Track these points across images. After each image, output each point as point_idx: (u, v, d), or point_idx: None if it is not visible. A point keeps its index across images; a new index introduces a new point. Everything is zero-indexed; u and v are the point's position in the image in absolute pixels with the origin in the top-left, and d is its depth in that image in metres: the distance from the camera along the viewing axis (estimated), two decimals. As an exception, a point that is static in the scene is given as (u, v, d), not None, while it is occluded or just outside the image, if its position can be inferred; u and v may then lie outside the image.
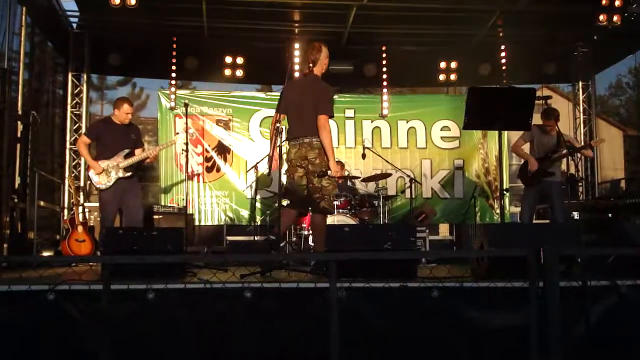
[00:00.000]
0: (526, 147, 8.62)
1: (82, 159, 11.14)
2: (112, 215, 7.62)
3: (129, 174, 7.69)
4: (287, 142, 6.42)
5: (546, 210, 10.23)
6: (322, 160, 6.23)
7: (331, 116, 6.33)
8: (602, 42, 11.60)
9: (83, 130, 11.37)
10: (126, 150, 7.71)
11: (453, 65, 11.81)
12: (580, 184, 12.12)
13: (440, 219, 11.79)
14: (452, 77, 11.92)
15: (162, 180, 11.34)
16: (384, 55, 11.85)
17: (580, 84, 13.10)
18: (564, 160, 8.45)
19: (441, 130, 11.84)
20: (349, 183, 10.11)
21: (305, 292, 4.06)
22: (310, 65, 6.62)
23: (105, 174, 7.57)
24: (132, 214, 7.63)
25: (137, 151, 7.83)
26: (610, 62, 13.17)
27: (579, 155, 12.28)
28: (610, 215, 9.78)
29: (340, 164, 10.42)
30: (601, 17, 10.06)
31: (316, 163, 6.23)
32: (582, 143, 11.71)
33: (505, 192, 9.57)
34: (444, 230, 12.41)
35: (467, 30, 11.58)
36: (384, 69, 11.86)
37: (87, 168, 7.81)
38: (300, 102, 6.40)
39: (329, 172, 6.15)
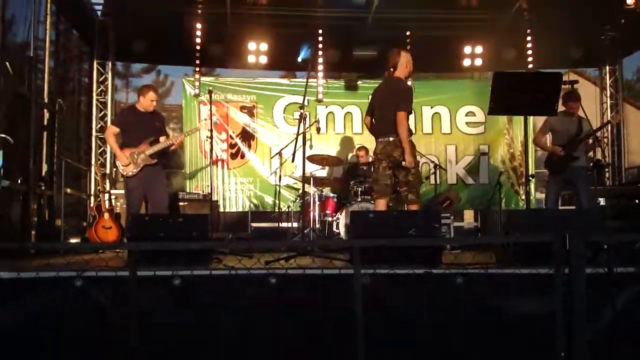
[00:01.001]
0: (549, 138, 8.52)
1: (108, 146, 11.24)
2: (138, 201, 7.65)
3: (154, 161, 7.70)
4: (375, 138, 7.01)
5: (572, 196, 10.15)
6: (405, 157, 6.62)
7: (409, 112, 6.87)
8: (630, 25, 11.41)
9: (109, 117, 11.48)
10: (151, 138, 7.74)
11: (478, 50, 11.69)
12: (606, 169, 12.01)
13: (465, 205, 11.73)
14: (477, 62, 11.78)
15: (187, 167, 11.40)
16: (408, 40, 11.76)
17: (607, 68, 12.96)
18: (590, 145, 8.36)
19: (466, 115, 11.76)
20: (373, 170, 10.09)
21: (330, 278, 4.07)
22: (392, 69, 7.19)
23: (132, 161, 7.58)
24: (157, 202, 7.66)
25: (162, 138, 7.82)
26: (638, 45, 12.95)
27: (605, 140, 12.21)
28: (637, 201, 9.67)
29: (365, 150, 10.42)
30: (629, 0, 9.92)
31: (400, 160, 6.65)
32: (607, 127, 11.61)
33: (530, 178, 9.47)
34: (468, 216, 12.35)
35: (492, 14, 11.45)
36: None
37: (114, 156, 7.86)
38: (382, 103, 7.01)
39: (403, 162, 6.56)
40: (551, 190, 8.33)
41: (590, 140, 8.18)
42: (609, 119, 8.92)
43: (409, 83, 7.09)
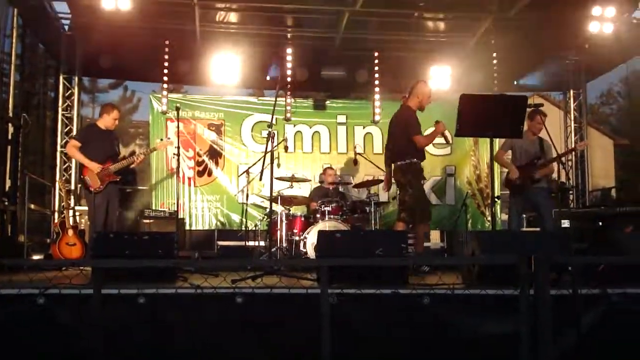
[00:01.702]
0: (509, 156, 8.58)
1: (73, 162, 11.13)
2: (103, 218, 7.70)
3: (117, 178, 7.92)
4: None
5: (536, 218, 10.26)
6: (406, 180, 7.45)
7: (419, 133, 7.56)
8: (594, 50, 11.64)
9: (74, 133, 11.34)
10: (114, 155, 7.86)
11: (445, 71, 11.78)
12: (570, 192, 12.17)
13: (431, 225, 11.77)
14: (444, 84, 11.87)
15: (153, 184, 11.31)
16: (376, 61, 11.85)
17: (572, 92, 13.17)
18: (554, 167, 8.46)
19: (432, 137, 11.84)
20: (340, 189, 10.10)
21: (297, 298, 4.05)
22: (406, 95, 7.80)
23: (99, 177, 7.69)
24: (112, 219, 7.89)
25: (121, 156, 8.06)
26: (601, 71, 13.21)
27: (569, 163, 12.37)
28: (600, 223, 9.80)
29: (332, 170, 10.45)
30: (592, 26, 10.11)
31: (403, 182, 7.48)
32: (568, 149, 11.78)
33: (496, 200, 9.56)
34: (435, 236, 12.41)
35: (459, 37, 11.60)
36: (376, 75, 11.85)
37: (83, 171, 7.85)
38: (392, 132, 7.85)
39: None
40: (513, 210, 8.37)
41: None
42: (574, 145, 9.04)
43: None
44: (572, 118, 13.04)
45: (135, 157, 8.17)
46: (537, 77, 12.31)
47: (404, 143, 7.53)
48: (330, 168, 10.65)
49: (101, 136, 7.96)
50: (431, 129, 7.78)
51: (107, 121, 7.98)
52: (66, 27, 11.37)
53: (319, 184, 10.64)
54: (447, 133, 7.50)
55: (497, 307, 4.05)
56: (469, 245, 5.77)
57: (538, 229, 9.53)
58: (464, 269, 5.17)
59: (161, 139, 9.29)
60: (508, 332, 3.85)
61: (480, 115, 6.10)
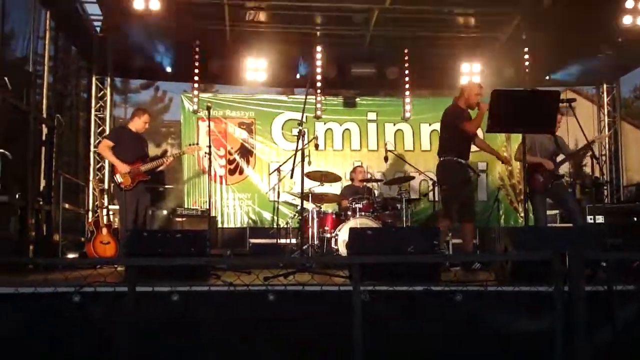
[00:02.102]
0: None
1: (106, 162, 11.27)
2: (133, 215, 7.95)
3: (147, 177, 8.13)
4: None
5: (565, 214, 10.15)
6: (441, 176, 7.70)
7: (468, 126, 7.54)
8: (627, 44, 11.46)
9: (107, 133, 11.47)
10: (144, 156, 8.19)
11: (476, 68, 11.70)
12: (605, 187, 12.02)
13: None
14: (475, 79, 11.77)
15: (186, 183, 11.40)
16: (406, 58, 11.81)
17: (605, 86, 13.00)
18: (588, 162, 8.39)
19: (463, 133, 11.77)
20: (370, 186, 10.08)
21: (329, 295, 4.06)
22: (458, 94, 7.83)
23: (129, 175, 7.91)
24: (141, 217, 8.05)
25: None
26: (635, 64, 13.00)
27: (602, 157, 12.22)
28: (635, 219, 9.67)
29: (361, 169, 10.44)
30: (625, 19, 9.95)
31: (439, 178, 7.76)
32: (605, 146, 11.65)
33: (529, 195, 9.47)
34: (467, 233, 12.32)
35: (489, 33, 11.52)
36: (406, 72, 11.81)
37: (114, 170, 8.03)
38: (440, 129, 8.11)
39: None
40: (541, 211, 8.29)
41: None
42: (593, 137, 8.91)
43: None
44: (606, 112, 12.88)
45: (164, 159, 8.42)
46: (569, 72, 12.14)
47: (443, 140, 7.77)
48: (360, 166, 10.64)
49: (132, 138, 8.19)
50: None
51: (137, 124, 8.22)
52: (98, 29, 11.50)
53: (349, 182, 10.63)
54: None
55: (531, 304, 4.01)
56: (502, 241, 5.73)
57: (570, 224, 9.45)
58: (497, 265, 5.13)
59: (190, 144, 9.44)
60: (542, 329, 3.82)
61: (512, 111, 6.03)
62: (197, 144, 9.17)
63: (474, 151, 11.62)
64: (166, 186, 10.99)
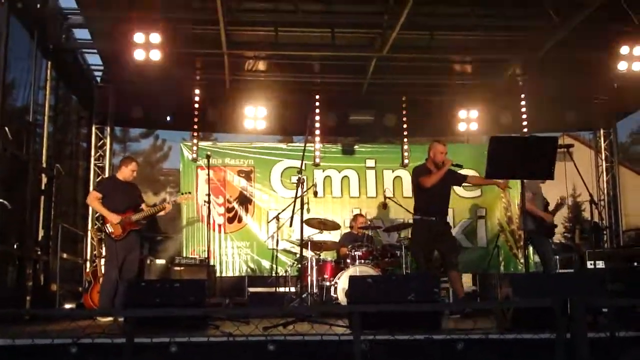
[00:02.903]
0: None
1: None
2: (118, 265, 7.78)
3: (138, 227, 8.04)
4: None
5: (570, 259, 10.13)
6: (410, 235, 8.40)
7: (424, 180, 7.81)
8: (623, 89, 11.57)
9: (95, 185, 11.51)
10: (135, 205, 8.07)
11: (473, 114, 11.76)
12: (604, 232, 12.00)
13: (463, 269, 11.64)
14: (473, 126, 11.84)
15: (184, 231, 11.36)
16: (404, 105, 11.90)
17: (602, 131, 13.07)
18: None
19: (463, 179, 11.78)
20: (370, 233, 10.04)
21: (329, 345, 4.01)
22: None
23: (120, 225, 7.80)
24: (132, 267, 7.93)
25: (143, 206, 8.22)
26: (631, 109, 13.10)
27: (601, 202, 12.27)
28: (635, 264, 9.63)
29: (361, 217, 10.42)
30: (620, 65, 10.04)
31: None
32: (603, 190, 11.75)
33: (529, 242, 9.46)
34: (466, 280, 12.20)
35: (487, 79, 11.62)
36: (404, 119, 11.90)
37: (104, 220, 7.94)
38: None
39: None
40: (551, 253, 8.45)
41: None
42: (559, 201, 9.14)
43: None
44: (603, 157, 12.92)
45: (156, 207, 8.38)
46: (566, 117, 12.20)
47: (414, 200, 8.22)
48: (361, 215, 10.61)
49: (121, 188, 8.10)
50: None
51: (125, 173, 8.13)
52: (98, 79, 11.62)
53: (348, 229, 10.60)
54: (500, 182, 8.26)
55: (534, 352, 3.97)
56: (503, 288, 5.69)
57: (572, 270, 9.43)
58: (498, 312, 5.09)
59: (183, 193, 9.39)
60: (545, 377, 3.77)
61: (510, 157, 6.05)
62: (190, 193, 9.06)
63: (474, 197, 11.78)
64: (164, 235, 10.96)
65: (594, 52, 10.30)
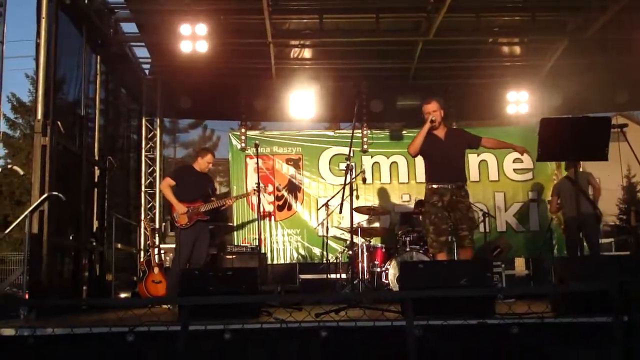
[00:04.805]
0: None
1: (158, 201, 11.45)
2: (187, 254, 7.91)
3: (206, 217, 8.13)
4: None
5: (626, 241, 9.94)
6: None
7: (408, 148, 7.03)
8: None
9: (157, 173, 11.69)
10: (205, 196, 8.20)
11: (522, 96, 11.57)
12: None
13: (516, 252, 11.52)
14: (522, 108, 11.64)
15: (235, 220, 11.46)
16: (451, 89, 11.78)
17: (657, 110, 12.75)
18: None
19: (513, 162, 11.61)
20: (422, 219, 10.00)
21: (382, 331, 4.01)
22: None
23: (187, 214, 7.94)
24: (199, 257, 8.03)
25: (213, 198, 8.37)
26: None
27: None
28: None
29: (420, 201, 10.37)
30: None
31: None
32: None
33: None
34: (519, 264, 12.11)
35: (535, 60, 11.42)
36: (451, 103, 11.77)
37: (171, 208, 8.12)
38: None
39: None
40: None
41: None
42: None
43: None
44: (658, 137, 12.60)
45: (225, 200, 8.57)
46: (618, 97, 11.91)
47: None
48: (420, 201, 10.53)
49: (194, 177, 8.28)
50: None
51: (201, 164, 8.34)
52: (147, 71, 11.76)
53: (409, 212, 10.58)
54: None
55: (590, 336, 3.91)
56: (557, 272, 5.61)
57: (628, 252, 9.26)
58: (553, 297, 5.02)
59: (258, 185, 9.23)
60: (602, 361, 3.72)
61: (561, 139, 5.95)
62: (257, 186, 8.94)
63: (525, 180, 11.61)
64: (216, 224, 11.07)
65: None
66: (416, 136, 6.91)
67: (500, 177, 11.66)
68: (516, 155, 11.15)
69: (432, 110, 6.88)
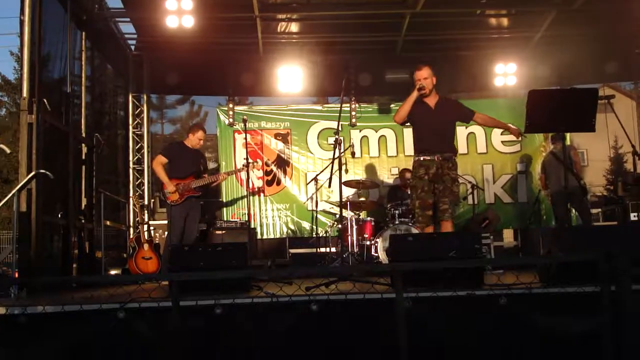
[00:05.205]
0: None
1: (146, 177, 11.44)
2: (179, 230, 8.07)
3: (198, 193, 8.29)
4: None
5: (614, 211, 10.01)
6: None
7: (394, 116, 7.08)
8: (665, 37, 11.27)
9: (145, 150, 11.64)
10: (196, 172, 8.32)
11: (510, 68, 11.56)
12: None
13: (504, 224, 11.60)
14: (510, 80, 11.64)
15: (224, 196, 11.47)
16: (440, 61, 11.74)
17: (644, 81, 12.78)
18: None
19: (501, 134, 11.63)
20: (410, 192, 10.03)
21: (372, 303, 4.04)
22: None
23: (178, 191, 8.08)
24: (190, 233, 8.19)
25: (205, 175, 8.50)
26: (674, 58, 12.75)
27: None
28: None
29: (408, 172, 10.39)
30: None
31: None
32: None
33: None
34: (508, 235, 12.19)
35: (523, 32, 11.40)
36: (440, 75, 11.72)
37: (162, 185, 8.21)
38: None
39: None
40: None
41: None
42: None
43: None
44: (645, 108, 12.65)
45: (216, 176, 8.73)
46: (606, 68, 11.93)
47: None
48: (407, 170, 10.55)
49: (186, 153, 8.41)
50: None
51: (192, 140, 8.45)
52: (132, 47, 11.66)
53: (395, 185, 10.63)
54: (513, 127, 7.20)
55: (577, 305, 3.95)
56: (545, 243, 5.65)
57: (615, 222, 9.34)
58: (541, 267, 5.06)
59: (249, 162, 9.18)
60: (590, 330, 3.76)
61: (549, 111, 5.96)
62: (247, 162, 8.91)
63: (513, 152, 11.65)
64: (205, 199, 11.07)
65: (634, 1, 10.02)
66: (403, 103, 6.85)
67: (489, 149, 11.70)
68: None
69: (423, 77, 6.85)
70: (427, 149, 6.73)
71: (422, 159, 6.72)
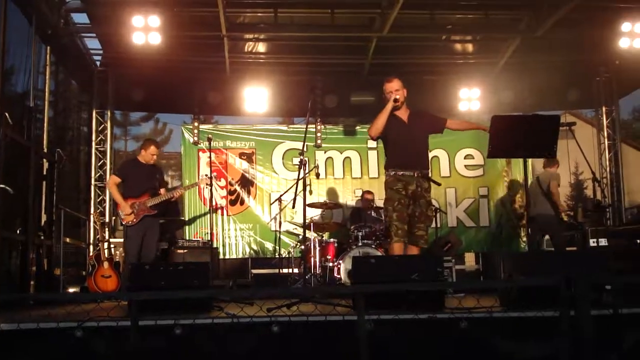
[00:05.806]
0: None
1: (107, 194, 11.30)
2: (136, 250, 7.87)
3: (154, 212, 8.04)
4: None
5: (573, 237, 10.13)
6: None
7: (369, 130, 6.87)
8: (625, 66, 11.52)
9: (108, 166, 11.51)
10: (152, 190, 8.08)
11: (475, 93, 11.69)
12: (607, 210, 11.98)
13: (466, 248, 11.67)
14: (474, 105, 11.77)
15: (187, 214, 11.39)
16: (405, 85, 11.82)
17: (604, 109, 12.98)
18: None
19: (465, 158, 11.78)
20: (373, 214, 10.05)
21: (334, 325, 4.03)
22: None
23: (133, 211, 7.86)
24: (149, 252, 7.97)
25: (162, 191, 8.23)
26: (633, 86, 13.01)
27: (604, 180, 12.28)
28: (638, 241, 9.63)
29: (369, 194, 10.42)
30: (622, 42, 10.00)
31: None
32: (605, 168, 11.91)
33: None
34: (470, 259, 12.26)
35: (488, 58, 11.57)
36: (405, 99, 11.81)
37: (117, 205, 8.05)
38: None
39: None
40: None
41: None
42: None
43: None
44: (606, 135, 12.86)
45: (173, 192, 8.51)
46: (568, 95, 12.14)
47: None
48: (369, 192, 10.58)
49: (139, 170, 8.15)
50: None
51: (145, 156, 8.19)
52: (98, 63, 11.57)
53: (357, 207, 10.65)
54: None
55: (537, 330, 3.98)
56: (506, 267, 5.69)
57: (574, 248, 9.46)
58: (501, 291, 5.09)
59: (206, 175, 9.12)
60: (549, 354, 3.78)
61: (512, 136, 6.02)
62: (207, 176, 8.88)
63: (476, 176, 11.76)
64: (167, 218, 10.98)
65: (596, 29, 10.25)
66: (377, 117, 6.65)
67: (452, 173, 11.81)
68: (467, 151, 11.38)
69: (394, 89, 6.73)
70: (404, 164, 6.53)
71: (400, 173, 6.48)
